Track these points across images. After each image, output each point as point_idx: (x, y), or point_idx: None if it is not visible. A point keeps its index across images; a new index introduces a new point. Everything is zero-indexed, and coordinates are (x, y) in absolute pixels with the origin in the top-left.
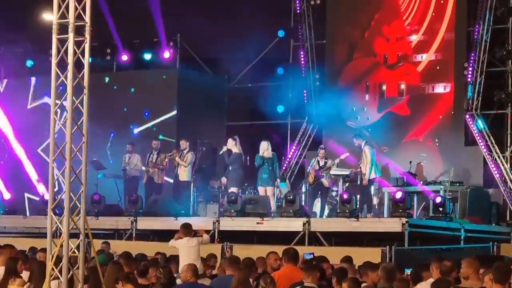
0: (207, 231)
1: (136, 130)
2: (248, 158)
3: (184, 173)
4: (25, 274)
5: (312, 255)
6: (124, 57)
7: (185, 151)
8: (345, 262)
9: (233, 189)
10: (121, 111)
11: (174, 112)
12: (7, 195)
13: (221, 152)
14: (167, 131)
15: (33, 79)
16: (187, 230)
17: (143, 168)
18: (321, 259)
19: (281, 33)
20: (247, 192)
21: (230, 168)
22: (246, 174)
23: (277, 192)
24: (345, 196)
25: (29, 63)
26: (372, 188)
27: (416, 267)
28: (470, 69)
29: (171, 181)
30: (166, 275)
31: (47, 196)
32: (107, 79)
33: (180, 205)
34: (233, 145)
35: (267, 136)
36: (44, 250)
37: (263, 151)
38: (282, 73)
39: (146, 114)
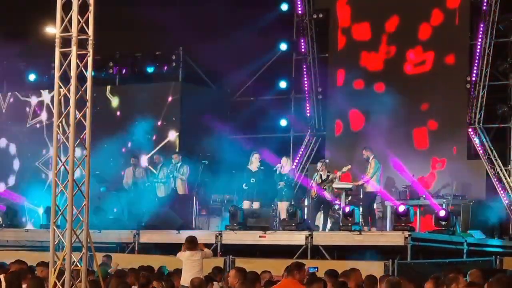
0: (209, 246)
1: None
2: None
3: (181, 187)
4: None
5: (316, 269)
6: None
7: (178, 165)
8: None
9: (255, 203)
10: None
11: (177, 134)
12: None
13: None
14: (170, 144)
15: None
16: (191, 244)
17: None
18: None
19: (284, 47)
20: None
21: (254, 181)
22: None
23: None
24: (347, 210)
25: (31, 77)
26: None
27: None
28: (473, 83)
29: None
30: None
31: None
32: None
33: (182, 219)
34: (258, 161)
35: (270, 149)
36: (43, 264)
37: (282, 166)
38: (284, 87)
39: None
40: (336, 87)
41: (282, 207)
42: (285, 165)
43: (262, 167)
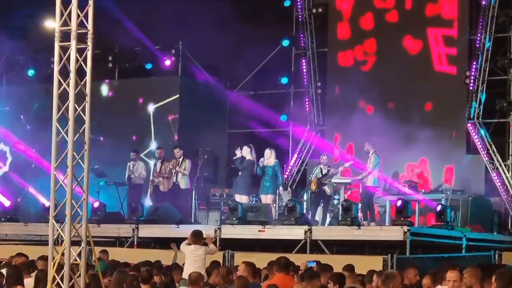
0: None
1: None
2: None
3: (183, 181)
4: (27, 282)
5: (315, 263)
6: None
7: (180, 159)
8: (347, 271)
9: (243, 197)
10: (123, 119)
11: (176, 128)
12: (7, 203)
13: (235, 158)
14: (169, 138)
15: None
16: (197, 238)
17: (151, 176)
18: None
19: (284, 42)
20: (249, 200)
21: (240, 174)
22: (254, 182)
23: (279, 201)
24: (346, 204)
25: (30, 72)
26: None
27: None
28: (472, 77)
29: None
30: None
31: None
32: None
33: (181, 213)
34: (247, 153)
35: (269, 144)
36: (43, 258)
37: (265, 159)
38: (283, 81)
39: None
40: (336, 76)
41: (267, 201)
42: (269, 157)
43: (242, 160)
